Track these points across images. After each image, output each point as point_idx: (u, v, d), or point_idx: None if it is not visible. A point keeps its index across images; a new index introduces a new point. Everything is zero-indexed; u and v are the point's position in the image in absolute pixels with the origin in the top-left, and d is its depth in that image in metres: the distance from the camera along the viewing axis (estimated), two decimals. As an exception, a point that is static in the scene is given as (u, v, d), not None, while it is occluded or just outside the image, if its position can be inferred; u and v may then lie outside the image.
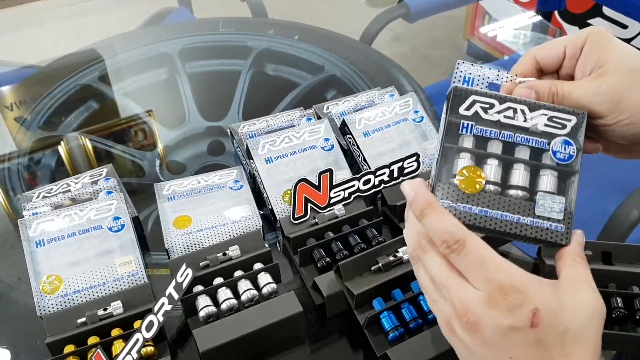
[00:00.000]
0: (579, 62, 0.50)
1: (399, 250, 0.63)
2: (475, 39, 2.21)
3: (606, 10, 1.93)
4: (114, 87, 1.05)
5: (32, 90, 1.03)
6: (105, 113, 1.01)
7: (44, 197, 0.71)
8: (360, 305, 0.61)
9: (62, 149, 0.93)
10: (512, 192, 0.46)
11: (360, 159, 0.78)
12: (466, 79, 0.52)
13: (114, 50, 1.11)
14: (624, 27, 1.93)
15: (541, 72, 0.53)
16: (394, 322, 0.59)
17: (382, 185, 0.73)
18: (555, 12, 2.06)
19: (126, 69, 1.08)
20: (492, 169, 0.47)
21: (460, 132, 0.48)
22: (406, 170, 0.73)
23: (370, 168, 0.75)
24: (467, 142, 0.48)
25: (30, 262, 0.62)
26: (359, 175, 0.72)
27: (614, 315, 0.59)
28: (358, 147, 0.77)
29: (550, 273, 0.66)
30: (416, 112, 0.80)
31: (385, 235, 0.71)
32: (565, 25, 2.09)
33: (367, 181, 0.72)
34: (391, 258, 0.62)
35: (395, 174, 0.73)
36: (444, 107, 0.50)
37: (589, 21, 2.00)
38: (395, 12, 1.29)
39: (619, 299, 0.60)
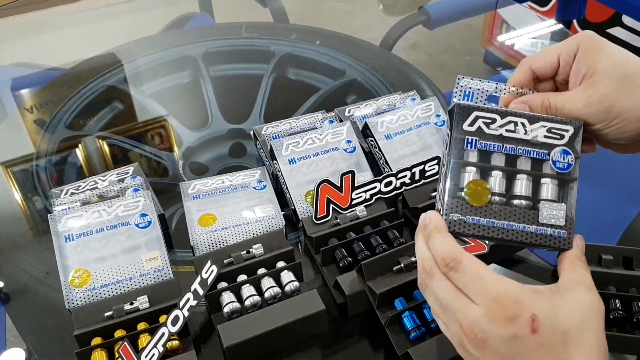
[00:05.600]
0: (572, 70, 0.52)
1: (421, 251, 0.63)
2: (493, 47, 2.21)
3: (626, 19, 1.93)
4: (139, 88, 1.07)
5: (56, 92, 1.05)
6: (130, 114, 1.03)
7: (72, 193, 0.72)
8: (382, 304, 0.61)
9: (86, 149, 0.95)
10: (516, 202, 0.49)
11: (381, 162, 0.79)
12: (466, 93, 0.55)
13: (140, 53, 1.13)
14: (645, 36, 1.92)
15: (538, 80, 0.54)
16: (416, 322, 0.59)
17: (404, 187, 0.73)
18: (574, 21, 2.06)
19: (151, 72, 1.11)
20: (496, 181, 0.50)
21: (465, 147, 0.50)
22: (427, 173, 0.74)
23: (391, 170, 0.76)
24: (472, 156, 0.50)
25: (59, 256, 0.64)
26: (380, 177, 0.73)
27: (612, 317, 0.60)
28: (380, 149, 0.78)
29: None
30: (438, 116, 0.81)
31: (406, 237, 0.72)
32: (584, 35, 2.08)
33: (389, 183, 0.73)
34: (413, 259, 0.63)
35: (417, 177, 0.73)
36: (447, 123, 0.52)
37: (609, 30, 1.99)
38: (416, 18, 1.30)
39: (617, 300, 0.61)
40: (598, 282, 0.61)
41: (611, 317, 0.60)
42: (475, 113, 0.50)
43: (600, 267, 0.63)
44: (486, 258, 0.67)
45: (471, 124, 0.50)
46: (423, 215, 0.50)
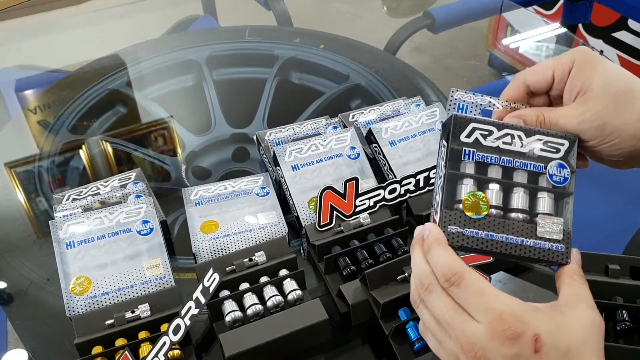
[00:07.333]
0: (567, 86, 0.51)
1: (425, 260, 0.63)
2: (498, 51, 2.20)
3: (632, 23, 1.92)
4: (142, 92, 1.07)
5: (60, 94, 1.05)
6: (132, 118, 1.03)
7: (74, 199, 0.72)
8: (386, 314, 0.61)
9: (89, 151, 0.95)
10: (513, 215, 0.48)
11: (385, 168, 0.78)
12: (460, 106, 0.55)
13: (143, 57, 1.13)
14: (650, 40, 1.91)
15: (532, 94, 0.54)
16: (420, 332, 0.59)
17: (408, 194, 0.73)
18: (580, 25, 2.05)
19: (154, 75, 1.10)
20: (493, 193, 0.49)
21: (462, 158, 0.50)
22: (432, 180, 0.73)
23: (395, 177, 0.75)
24: (469, 168, 0.50)
25: (60, 263, 0.63)
26: (384, 184, 0.72)
27: (619, 328, 0.59)
28: (384, 156, 0.77)
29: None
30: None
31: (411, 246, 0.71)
32: (589, 39, 2.07)
33: (393, 190, 0.72)
34: (417, 268, 0.62)
35: (421, 184, 0.73)
36: (442, 135, 0.52)
37: (614, 34, 1.98)
38: (420, 22, 1.29)
39: (624, 311, 0.60)
40: (605, 292, 0.60)
41: (618, 328, 0.59)
42: (472, 124, 0.50)
43: (607, 277, 0.62)
44: (491, 267, 0.66)
45: (468, 136, 0.50)
46: (419, 228, 0.49)
